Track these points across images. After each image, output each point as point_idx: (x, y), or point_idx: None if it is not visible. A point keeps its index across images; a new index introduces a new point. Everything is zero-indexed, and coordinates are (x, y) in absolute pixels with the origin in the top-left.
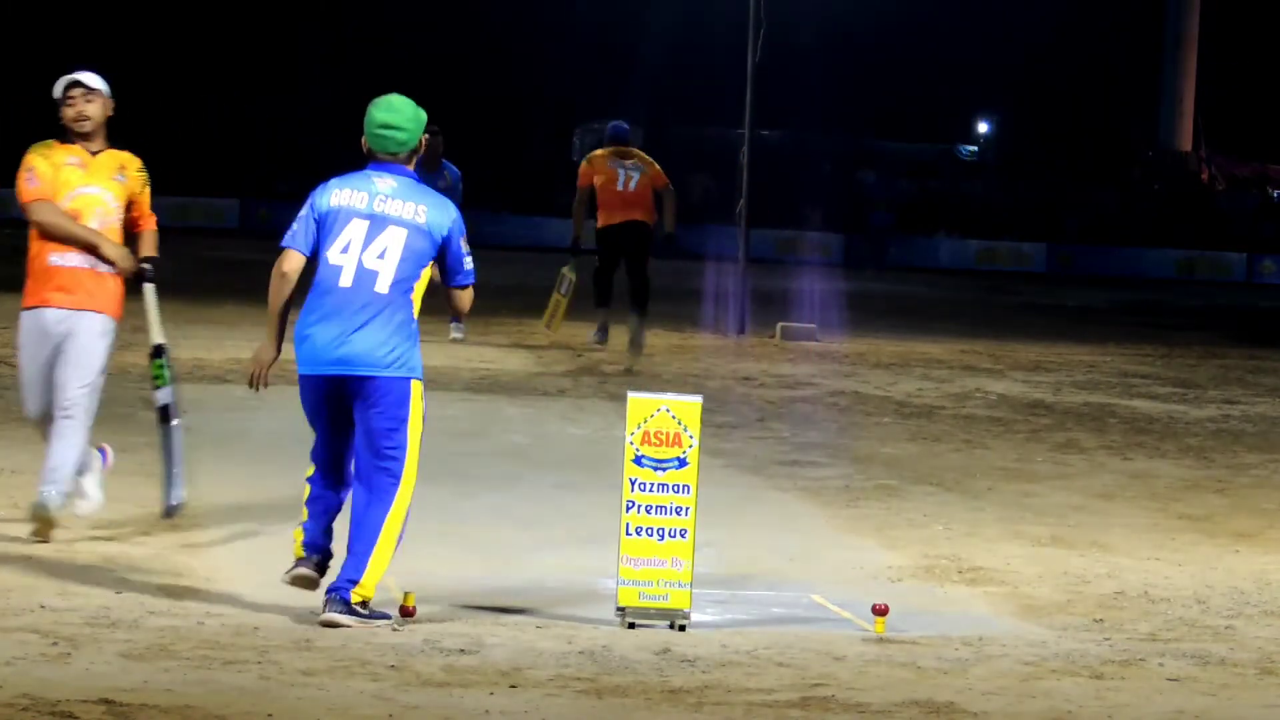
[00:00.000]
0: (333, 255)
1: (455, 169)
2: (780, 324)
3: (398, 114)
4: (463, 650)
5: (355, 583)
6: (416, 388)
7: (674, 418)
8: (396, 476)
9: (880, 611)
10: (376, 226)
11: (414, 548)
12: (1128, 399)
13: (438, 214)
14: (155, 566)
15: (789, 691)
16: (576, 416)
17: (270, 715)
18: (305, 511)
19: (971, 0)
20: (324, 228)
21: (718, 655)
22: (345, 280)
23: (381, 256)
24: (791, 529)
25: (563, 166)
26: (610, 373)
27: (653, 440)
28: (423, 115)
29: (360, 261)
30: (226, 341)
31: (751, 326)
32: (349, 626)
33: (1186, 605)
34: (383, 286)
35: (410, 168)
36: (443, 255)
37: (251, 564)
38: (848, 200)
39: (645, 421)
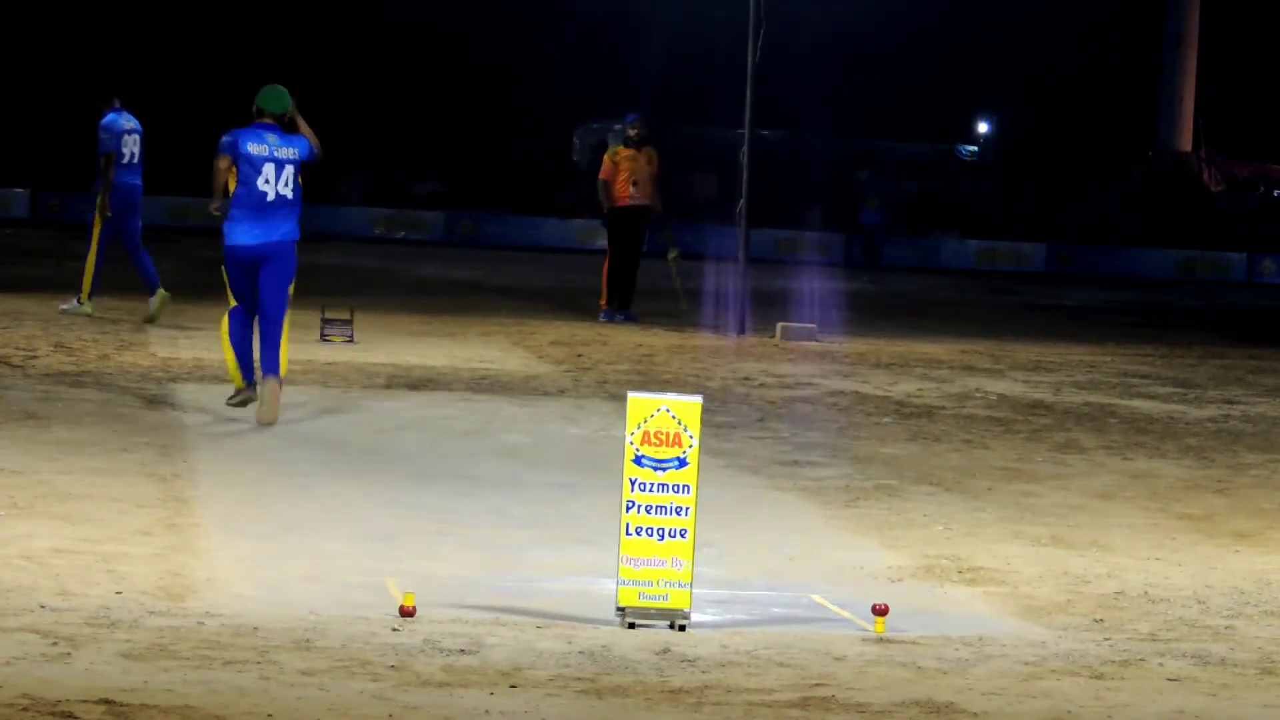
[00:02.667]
0: (260, 184)
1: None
2: (780, 324)
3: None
4: (463, 650)
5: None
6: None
7: (674, 418)
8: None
9: (880, 611)
10: (280, 166)
11: (414, 547)
12: (1128, 399)
13: (301, 147)
14: (155, 566)
15: (789, 691)
16: (576, 416)
17: (270, 715)
18: (230, 345)
19: (972, 0)
20: (244, 162)
21: (718, 655)
22: (270, 198)
23: (287, 184)
24: (791, 529)
25: (563, 166)
26: (610, 373)
27: (653, 440)
28: None
29: (276, 189)
30: None
31: (751, 326)
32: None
33: (1186, 605)
34: (289, 195)
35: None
36: (305, 164)
37: (251, 564)
38: (845, 199)
39: (645, 421)
